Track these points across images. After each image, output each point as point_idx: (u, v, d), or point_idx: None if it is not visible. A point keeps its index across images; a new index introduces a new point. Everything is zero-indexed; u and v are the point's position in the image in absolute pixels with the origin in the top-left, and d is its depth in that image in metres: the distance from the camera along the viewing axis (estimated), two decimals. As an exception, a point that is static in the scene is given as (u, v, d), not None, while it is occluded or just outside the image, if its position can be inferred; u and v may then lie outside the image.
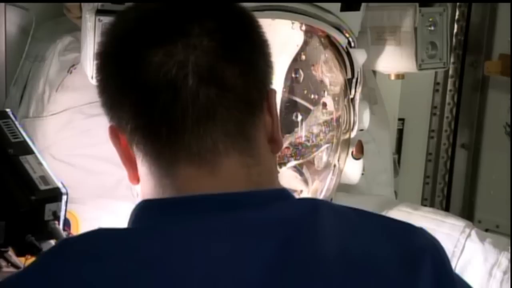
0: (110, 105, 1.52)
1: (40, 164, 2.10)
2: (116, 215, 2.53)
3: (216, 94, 1.41)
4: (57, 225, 2.04)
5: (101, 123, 2.60)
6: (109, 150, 2.67)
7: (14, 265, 2.12)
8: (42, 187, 2.05)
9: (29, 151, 2.13)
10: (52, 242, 2.04)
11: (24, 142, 2.15)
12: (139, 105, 1.44)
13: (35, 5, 2.80)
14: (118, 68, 1.48)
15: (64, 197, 2.06)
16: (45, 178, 2.07)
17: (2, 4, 2.63)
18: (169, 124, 1.42)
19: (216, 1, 1.49)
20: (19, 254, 2.07)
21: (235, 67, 1.43)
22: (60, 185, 2.07)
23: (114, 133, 1.58)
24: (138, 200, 2.58)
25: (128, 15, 1.54)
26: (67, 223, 2.34)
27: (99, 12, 2.21)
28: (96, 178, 2.68)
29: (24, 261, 2.09)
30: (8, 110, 2.22)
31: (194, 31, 1.42)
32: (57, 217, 2.05)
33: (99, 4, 2.22)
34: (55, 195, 2.05)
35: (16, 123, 2.20)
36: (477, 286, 2.53)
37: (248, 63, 1.47)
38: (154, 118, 1.43)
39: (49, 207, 2.04)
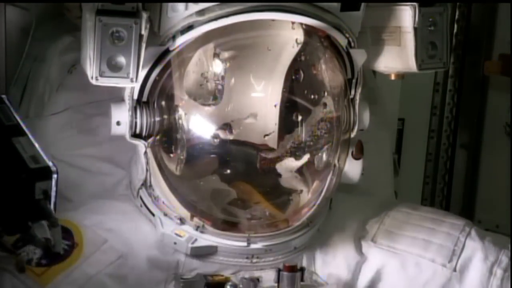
0: None
1: (32, 145, 2.07)
2: (116, 217, 2.53)
3: None
4: (47, 205, 2.02)
5: (101, 123, 2.64)
6: (109, 150, 2.71)
7: (8, 250, 2.10)
8: (32, 165, 2.02)
9: (22, 133, 2.10)
10: (43, 222, 2.03)
11: (18, 125, 2.12)
12: None
13: (35, 5, 2.80)
14: None
15: (54, 176, 2.03)
16: (35, 158, 2.03)
17: (2, 4, 2.63)
18: None
19: None
20: (9, 233, 2.05)
21: None
22: (50, 164, 2.04)
23: None
24: (138, 199, 2.61)
25: None
26: (68, 233, 2.33)
27: (99, 12, 2.21)
28: (96, 178, 2.68)
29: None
30: (3, 96, 2.20)
31: None
32: (47, 196, 2.02)
33: (99, 4, 2.22)
34: (45, 173, 2.02)
35: (12, 109, 2.17)
36: (478, 284, 2.53)
37: None
38: None
39: (39, 186, 2.01)
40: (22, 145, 2.07)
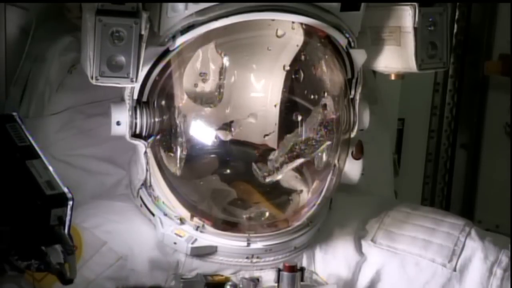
0: None
1: (46, 168, 2.08)
2: (115, 218, 2.52)
3: None
4: (62, 230, 2.03)
5: (101, 123, 2.64)
6: (109, 150, 2.71)
7: (18, 269, 2.11)
8: (48, 192, 2.03)
9: (35, 156, 2.11)
10: (57, 247, 2.04)
11: (30, 146, 2.13)
12: None
13: (35, 5, 2.80)
14: None
15: (69, 203, 2.05)
16: (51, 183, 2.05)
17: (2, 4, 2.63)
18: None
19: None
20: (24, 258, 2.06)
21: None
22: (66, 190, 2.06)
23: None
24: (138, 199, 2.60)
25: None
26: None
27: (99, 12, 2.21)
28: (96, 178, 2.69)
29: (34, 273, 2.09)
30: (15, 114, 2.21)
31: None
32: (62, 222, 2.04)
33: (99, 4, 2.22)
34: (61, 200, 2.04)
35: (23, 127, 2.18)
36: (477, 283, 2.53)
37: None
38: None
39: (55, 212, 2.02)
40: (37, 169, 2.08)
